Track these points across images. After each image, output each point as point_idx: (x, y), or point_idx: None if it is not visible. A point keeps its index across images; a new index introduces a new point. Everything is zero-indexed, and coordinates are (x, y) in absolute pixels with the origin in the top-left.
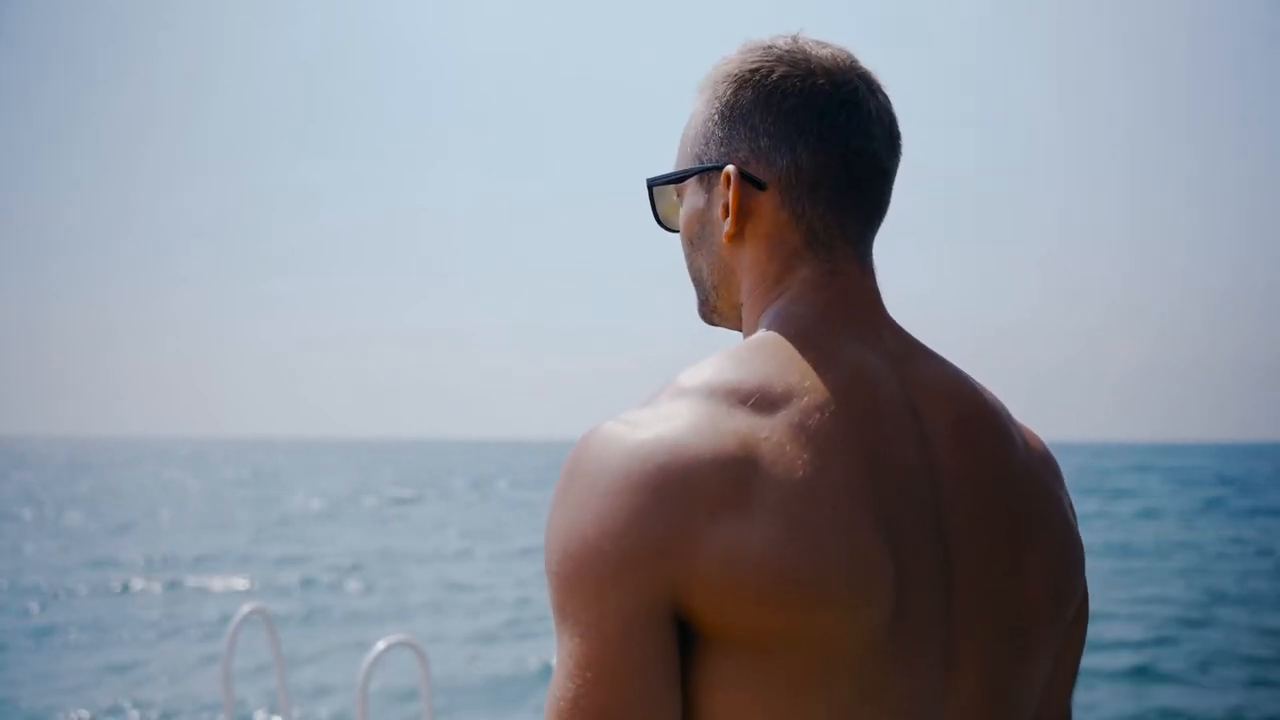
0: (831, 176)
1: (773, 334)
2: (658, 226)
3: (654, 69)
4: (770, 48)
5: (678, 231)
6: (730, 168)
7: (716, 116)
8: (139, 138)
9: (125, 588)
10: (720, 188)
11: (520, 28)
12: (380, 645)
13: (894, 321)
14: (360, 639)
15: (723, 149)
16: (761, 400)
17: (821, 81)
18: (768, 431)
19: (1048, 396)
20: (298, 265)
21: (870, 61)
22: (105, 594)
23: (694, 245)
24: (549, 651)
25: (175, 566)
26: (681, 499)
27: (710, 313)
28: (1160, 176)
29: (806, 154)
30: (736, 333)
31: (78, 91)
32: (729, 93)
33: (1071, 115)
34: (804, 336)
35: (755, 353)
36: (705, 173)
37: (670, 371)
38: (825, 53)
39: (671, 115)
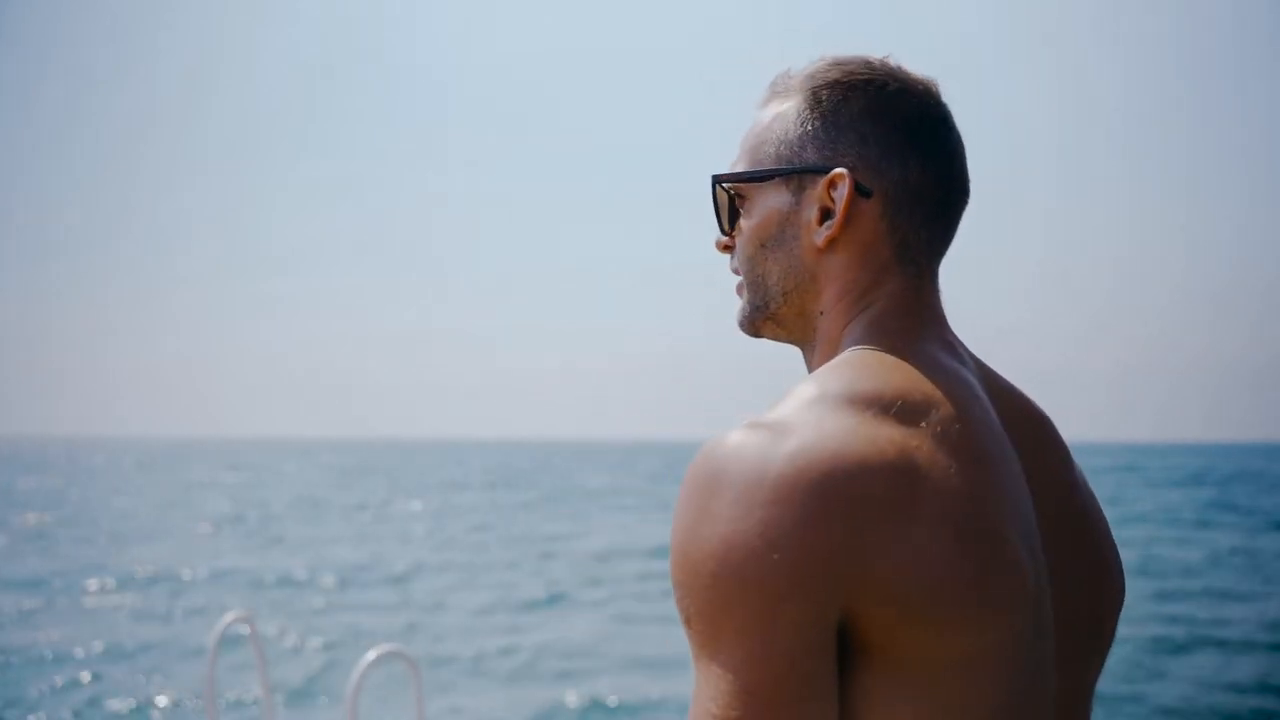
0: (932, 194)
1: (874, 349)
2: (716, 225)
3: (660, 72)
4: (870, 62)
5: (728, 234)
6: (843, 171)
7: (818, 120)
8: (139, 138)
9: (104, 595)
10: (818, 191)
11: (524, 25)
12: (370, 655)
13: (959, 339)
14: (351, 648)
15: (825, 153)
16: (904, 409)
17: (931, 102)
18: (917, 440)
19: (1044, 396)
20: (298, 265)
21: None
22: (83, 602)
23: (766, 247)
24: (546, 660)
25: (159, 572)
26: (851, 506)
27: (765, 320)
28: (1158, 177)
29: (917, 169)
30: (781, 344)
31: (78, 91)
32: (835, 99)
33: (1069, 115)
34: (910, 350)
35: (875, 364)
36: (802, 174)
37: (677, 365)
38: (921, 76)
39: (674, 119)
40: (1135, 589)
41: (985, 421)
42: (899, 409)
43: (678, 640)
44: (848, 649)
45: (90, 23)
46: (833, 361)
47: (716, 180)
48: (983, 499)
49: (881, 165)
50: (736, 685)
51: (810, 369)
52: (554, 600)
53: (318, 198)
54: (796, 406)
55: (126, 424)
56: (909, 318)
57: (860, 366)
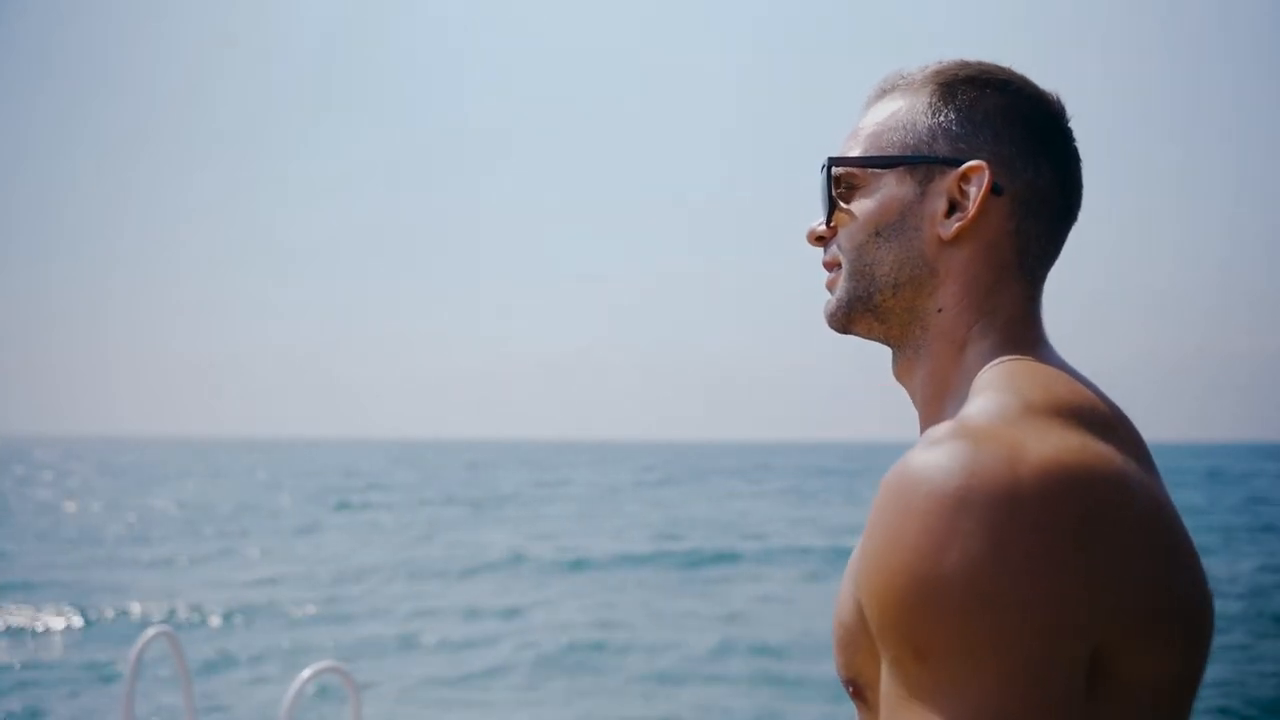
0: (1055, 201)
1: (1029, 359)
2: (825, 209)
3: (688, 76)
4: (1000, 65)
5: (827, 221)
6: (981, 164)
7: (952, 114)
8: (141, 132)
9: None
10: (946, 183)
11: (560, 21)
12: (306, 673)
13: None
14: (284, 665)
15: (959, 145)
16: (1099, 423)
17: (1060, 110)
18: (1122, 456)
19: None
20: (303, 262)
21: (846, 59)
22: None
23: (881, 235)
24: (496, 680)
25: (69, 585)
26: (1107, 526)
27: (864, 312)
28: (1144, 178)
29: (1047, 173)
30: (868, 341)
31: (81, 82)
32: (970, 94)
33: None
34: (1057, 362)
35: (1045, 375)
36: (930, 164)
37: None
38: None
39: (699, 127)
40: None
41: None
42: (1095, 423)
43: (640, 664)
44: (1090, 677)
45: (91, 16)
46: (1005, 370)
47: (832, 162)
48: (1175, 514)
49: (1015, 165)
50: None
51: (912, 368)
52: (510, 614)
53: (327, 194)
54: (1005, 416)
55: (125, 423)
56: (1037, 328)
57: (1039, 376)
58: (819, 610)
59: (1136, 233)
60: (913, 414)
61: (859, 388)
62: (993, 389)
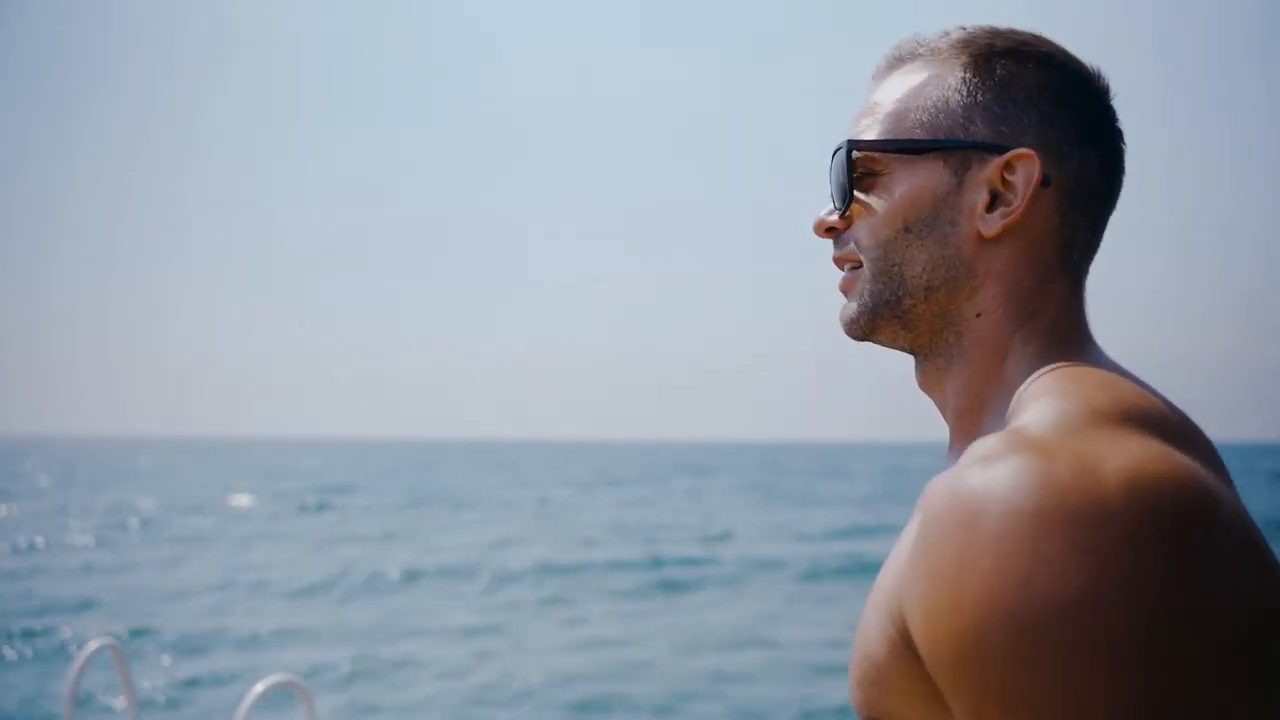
0: (1103, 190)
1: (1083, 364)
2: (836, 203)
3: (713, 78)
4: (1035, 34)
5: (842, 212)
6: (1030, 152)
7: (990, 92)
8: (144, 128)
9: None
10: (987, 171)
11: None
12: (259, 687)
13: None
14: (236, 678)
15: (1000, 129)
16: (1174, 433)
17: (1106, 88)
18: (1202, 466)
19: None
20: (306, 264)
21: (834, 59)
22: None
23: (911, 232)
24: (484, 693)
25: (34, 591)
26: (1201, 545)
27: (890, 318)
28: (1142, 177)
29: (1095, 160)
30: (888, 349)
31: (81, 82)
32: (1010, 68)
33: None
34: (1114, 368)
35: (1112, 380)
36: (968, 150)
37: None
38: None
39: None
40: None
41: None
42: (1173, 432)
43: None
44: None
45: (91, 16)
46: (1060, 375)
47: (853, 146)
48: (1260, 532)
49: (1062, 151)
50: None
51: (943, 378)
52: (485, 630)
53: (323, 194)
54: (1069, 425)
55: (124, 423)
56: (1084, 329)
57: (1099, 381)
58: (806, 619)
59: (1134, 232)
60: (886, 414)
61: (825, 388)
62: (1050, 396)
